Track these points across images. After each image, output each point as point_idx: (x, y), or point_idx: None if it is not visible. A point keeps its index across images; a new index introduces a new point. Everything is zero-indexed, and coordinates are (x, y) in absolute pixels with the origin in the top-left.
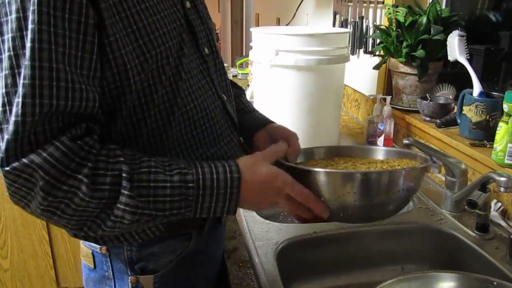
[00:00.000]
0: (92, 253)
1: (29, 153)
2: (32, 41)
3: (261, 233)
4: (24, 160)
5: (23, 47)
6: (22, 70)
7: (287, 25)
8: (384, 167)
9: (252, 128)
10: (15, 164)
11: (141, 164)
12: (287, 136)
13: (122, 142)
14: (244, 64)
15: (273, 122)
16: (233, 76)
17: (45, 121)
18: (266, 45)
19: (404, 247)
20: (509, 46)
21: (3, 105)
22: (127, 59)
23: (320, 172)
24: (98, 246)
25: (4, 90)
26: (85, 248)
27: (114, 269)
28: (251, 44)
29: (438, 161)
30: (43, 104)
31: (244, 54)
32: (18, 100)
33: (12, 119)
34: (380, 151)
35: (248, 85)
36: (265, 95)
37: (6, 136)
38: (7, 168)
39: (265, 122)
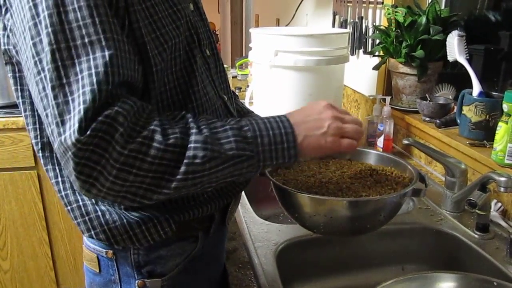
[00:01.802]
0: (97, 257)
1: (105, 111)
2: (91, 15)
3: (261, 234)
4: (100, 118)
5: (85, 17)
6: (95, 40)
7: (286, 25)
8: (368, 183)
9: None
10: (93, 125)
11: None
12: None
13: None
14: (243, 65)
15: None
16: (232, 77)
17: (117, 89)
18: (266, 45)
19: (404, 247)
20: (508, 46)
21: (76, 74)
22: (149, 47)
23: (300, 195)
24: (104, 250)
25: (76, 61)
26: (89, 252)
27: (121, 273)
28: (250, 45)
29: (424, 183)
30: (118, 73)
31: (243, 55)
32: (95, 70)
33: (88, 88)
34: (372, 155)
35: (248, 86)
36: (264, 95)
37: (82, 106)
38: (86, 134)
39: None
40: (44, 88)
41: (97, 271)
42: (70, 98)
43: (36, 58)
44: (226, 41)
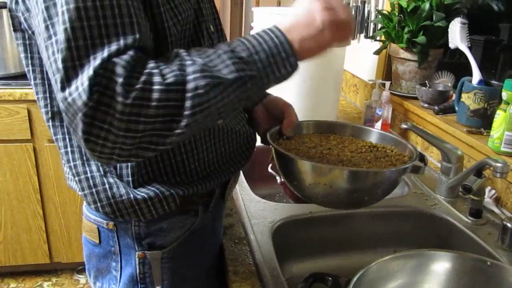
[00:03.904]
0: (98, 228)
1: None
2: None
3: (257, 212)
4: (100, 71)
5: None
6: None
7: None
8: (369, 157)
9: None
10: (93, 81)
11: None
12: (282, 107)
13: None
14: None
15: (269, 94)
16: None
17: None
18: (268, 25)
19: (397, 230)
20: (508, 37)
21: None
22: (165, 17)
23: (301, 162)
24: (104, 222)
25: (88, 23)
26: (90, 223)
27: (121, 244)
28: (252, 24)
29: (424, 161)
30: (131, 33)
31: (243, 36)
32: (109, 31)
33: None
34: (373, 134)
35: None
36: None
37: (90, 69)
38: (90, 93)
39: (261, 96)
40: (53, 52)
41: (97, 242)
42: (78, 63)
43: (48, 22)
44: (226, 21)
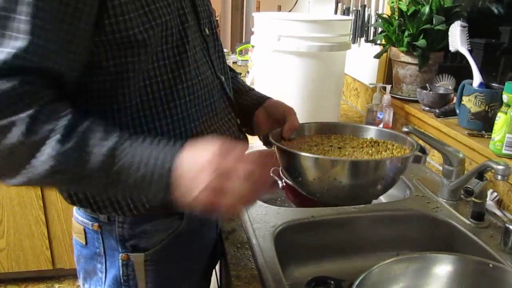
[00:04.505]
0: (84, 230)
1: None
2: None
3: (259, 216)
4: None
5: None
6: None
7: (289, 12)
8: (370, 151)
9: (251, 108)
10: None
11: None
12: (284, 111)
13: (124, 111)
14: (244, 50)
15: (270, 98)
16: (233, 62)
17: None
18: (268, 30)
19: (400, 233)
20: (509, 40)
21: None
22: (131, 24)
23: (304, 156)
24: (90, 223)
25: None
26: (78, 224)
27: (106, 246)
28: (253, 29)
29: (425, 152)
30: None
31: (243, 41)
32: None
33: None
34: (372, 131)
35: (248, 72)
36: (266, 80)
37: None
38: None
39: (262, 99)
40: None
41: (84, 243)
42: None
43: None
44: (226, 27)
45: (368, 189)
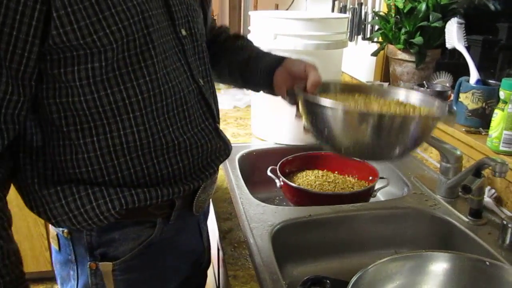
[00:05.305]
0: (57, 235)
1: None
2: None
3: (257, 215)
4: None
5: None
6: None
7: (286, 10)
8: (395, 110)
9: (270, 69)
10: None
11: None
12: (305, 67)
13: (87, 124)
14: None
15: (289, 57)
16: None
17: None
18: (265, 29)
19: (398, 231)
20: (507, 37)
21: None
22: (79, 34)
23: (333, 107)
24: (61, 229)
25: None
26: (52, 229)
27: (76, 253)
28: (249, 28)
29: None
30: None
31: None
32: None
33: None
34: (398, 92)
35: None
36: None
37: None
38: None
39: (281, 59)
40: None
41: (58, 249)
42: None
43: None
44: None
45: (394, 146)
